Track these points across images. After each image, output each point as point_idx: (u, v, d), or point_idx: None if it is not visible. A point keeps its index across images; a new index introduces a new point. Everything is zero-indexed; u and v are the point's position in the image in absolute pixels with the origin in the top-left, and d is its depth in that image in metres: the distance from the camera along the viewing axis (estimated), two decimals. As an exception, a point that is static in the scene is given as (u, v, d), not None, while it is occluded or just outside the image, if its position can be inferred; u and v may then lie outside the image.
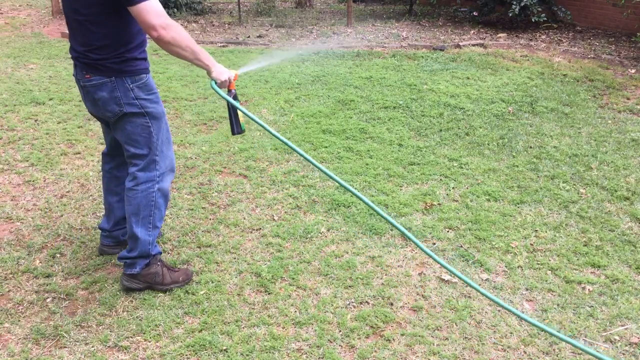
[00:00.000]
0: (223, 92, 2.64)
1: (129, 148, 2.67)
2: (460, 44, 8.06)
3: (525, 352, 2.48)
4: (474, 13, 9.93)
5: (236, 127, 2.79)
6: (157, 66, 7.13)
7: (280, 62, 4.09)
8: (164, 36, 2.33)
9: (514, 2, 8.73)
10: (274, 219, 3.53)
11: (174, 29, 2.35)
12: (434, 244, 3.28)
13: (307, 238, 3.32)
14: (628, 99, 5.82)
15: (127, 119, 2.60)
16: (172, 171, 2.81)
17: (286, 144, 2.61)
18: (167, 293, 2.82)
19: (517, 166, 4.27)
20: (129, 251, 2.75)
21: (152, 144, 2.66)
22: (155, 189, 2.70)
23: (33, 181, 4.00)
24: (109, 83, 2.52)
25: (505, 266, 3.08)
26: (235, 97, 2.73)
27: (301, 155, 2.56)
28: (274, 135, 2.63)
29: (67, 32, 2.63)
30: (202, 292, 2.83)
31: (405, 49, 8.05)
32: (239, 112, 2.74)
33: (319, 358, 2.44)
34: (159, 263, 2.81)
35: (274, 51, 4.25)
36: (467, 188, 3.93)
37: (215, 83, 2.62)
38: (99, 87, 2.53)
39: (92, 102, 2.63)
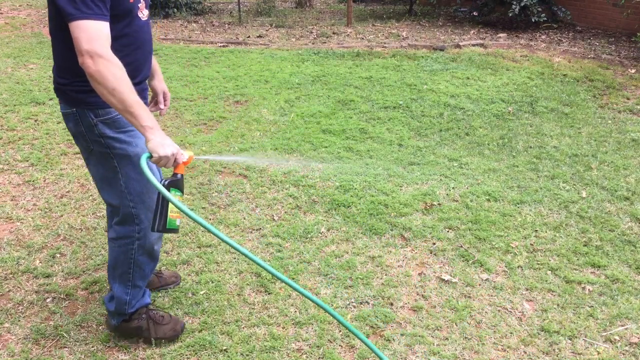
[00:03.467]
0: (152, 176, 1.83)
1: (102, 193, 2.31)
2: (460, 44, 8.06)
3: (525, 352, 2.48)
4: (474, 13, 9.93)
5: (159, 221, 2.04)
6: (157, 66, 7.12)
7: (252, 162, 3.87)
8: (88, 66, 1.85)
9: (514, 2, 8.73)
10: (274, 219, 3.53)
11: (103, 63, 1.85)
12: (434, 244, 3.28)
13: (307, 238, 3.32)
14: (628, 99, 5.82)
15: (95, 159, 2.21)
16: None
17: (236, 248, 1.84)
18: (167, 293, 2.82)
19: (517, 166, 4.27)
20: (109, 301, 2.45)
21: (120, 193, 2.22)
22: (135, 247, 2.31)
23: (33, 181, 4.00)
24: (72, 114, 2.13)
25: (505, 266, 3.08)
26: (178, 184, 2.08)
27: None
28: (231, 245, 1.83)
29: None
30: (202, 292, 2.83)
31: (405, 49, 8.05)
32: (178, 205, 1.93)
33: (319, 358, 2.43)
34: (143, 316, 2.47)
35: (251, 157, 4.05)
36: (467, 188, 3.93)
37: (150, 157, 1.96)
38: (65, 117, 2.17)
39: (69, 133, 2.27)
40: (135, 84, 2.01)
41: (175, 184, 2.07)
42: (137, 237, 2.30)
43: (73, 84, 2.07)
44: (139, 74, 2.20)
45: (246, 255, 1.81)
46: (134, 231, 2.29)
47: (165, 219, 2.05)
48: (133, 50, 2.12)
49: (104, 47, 1.88)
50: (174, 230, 2.09)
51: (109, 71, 1.86)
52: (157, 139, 1.94)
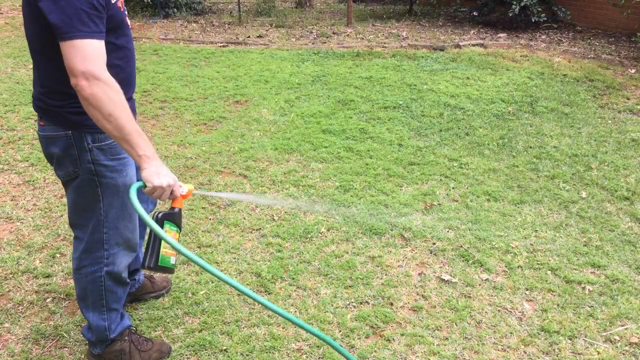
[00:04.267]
0: (142, 209, 1.69)
1: (71, 214, 2.15)
2: (460, 44, 8.06)
3: (525, 352, 2.48)
4: (474, 13, 9.94)
5: (150, 258, 1.89)
6: (157, 66, 7.13)
7: (250, 201, 3.68)
8: (82, 88, 1.71)
9: (514, 2, 8.73)
10: (274, 219, 3.53)
11: (100, 86, 1.72)
12: (434, 243, 3.28)
13: (307, 238, 3.32)
14: (628, 99, 5.82)
15: (77, 185, 2.06)
16: (129, 250, 2.24)
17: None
18: (167, 293, 2.82)
19: (517, 166, 4.27)
20: (88, 331, 2.33)
21: (98, 222, 2.10)
22: (103, 273, 2.18)
23: (33, 181, 4.00)
24: (63, 137, 1.98)
25: (505, 266, 3.08)
26: (174, 218, 1.93)
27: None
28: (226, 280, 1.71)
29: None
30: (202, 292, 2.83)
31: (405, 49, 8.05)
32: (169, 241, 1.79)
33: (319, 358, 2.44)
34: (126, 339, 2.36)
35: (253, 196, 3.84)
36: (467, 188, 3.93)
37: (145, 187, 1.85)
38: (51, 140, 2.00)
39: (46, 156, 2.11)
40: (127, 99, 1.92)
41: (171, 217, 1.92)
42: (105, 264, 2.17)
43: (69, 106, 1.93)
44: (131, 89, 2.11)
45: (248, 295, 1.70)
46: (102, 257, 2.16)
47: (157, 256, 1.88)
48: (127, 63, 2.04)
49: (101, 68, 1.75)
50: (169, 269, 1.91)
51: (106, 95, 1.73)
52: (152, 168, 1.83)
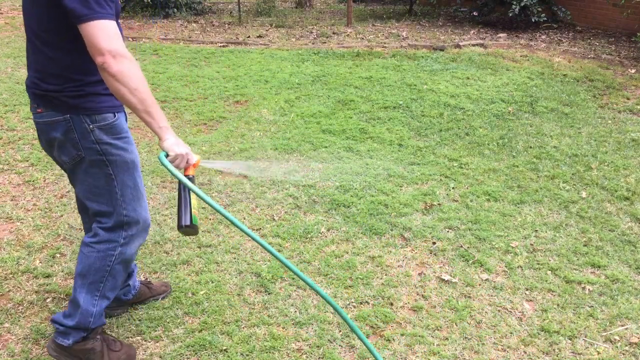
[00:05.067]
0: (176, 170, 1.97)
1: (91, 205, 2.19)
2: (460, 44, 8.06)
3: (525, 352, 2.48)
4: (474, 13, 9.94)
5: (184, 218, 2.09)
6: (157, 66, 7.13)
7: (249, 172, 3.84)
8: (110, 65, 1.82)
9: (514, 2, 8.74)
10: (274, 219, 3.53)
11: (125, 63, 1.85)
12: (434, 243, 3.28)
13: (307, 238, 3.32)
14: (628, 99, 5.82)
15: (86, 168, 2.11)
16: (143, 232, 2.32)
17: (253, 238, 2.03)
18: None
19: (517, 166, 4.27)
20: (66, 317, 2.26)
21: (115, 201, 2.17)
22: (117, 252, 2.22)
23: (33, 181, 4.00)
24: (62, 122, 2.03)
25: (505, 266, 3.08)
26: (193, 183, 2.10)
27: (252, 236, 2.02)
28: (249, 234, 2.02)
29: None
30: (202, 292, 2.83)
31: (405, 49, 8.05)
32: (192, 202, 2.11)
33: (319, 358, 2.44)
34: (98, 337, 2.32)
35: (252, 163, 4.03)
36: (467, 188, 3.93)
37: (166, 156, 2.00)
38: (51, 125, 2.04)
39: (47, 144, 2.14)
40: None
41: (192, 182, 2.10)
42: (121, 244, 2.22)
43: (67, 90, 1.99)
44: None
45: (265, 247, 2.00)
46: (120, 237, 2.22)
47: (192, 213, 2.08)
48: None
49: (124, 46, 1.87)
50: (196, 227, 2.11)
51: (131, 70, 1.87)
52: (172, 139, 1.99)
